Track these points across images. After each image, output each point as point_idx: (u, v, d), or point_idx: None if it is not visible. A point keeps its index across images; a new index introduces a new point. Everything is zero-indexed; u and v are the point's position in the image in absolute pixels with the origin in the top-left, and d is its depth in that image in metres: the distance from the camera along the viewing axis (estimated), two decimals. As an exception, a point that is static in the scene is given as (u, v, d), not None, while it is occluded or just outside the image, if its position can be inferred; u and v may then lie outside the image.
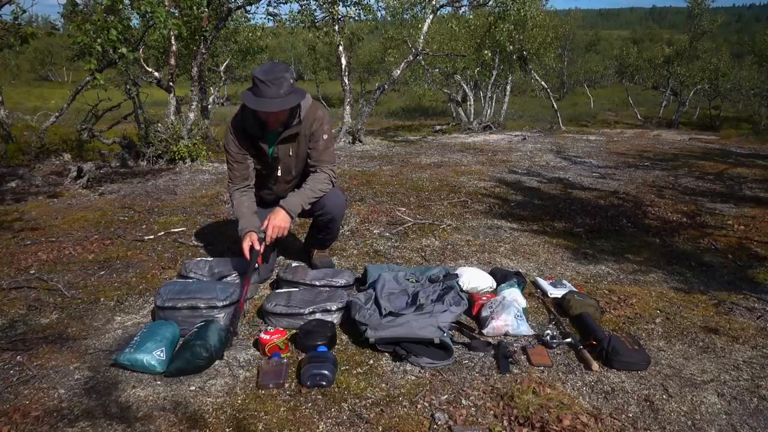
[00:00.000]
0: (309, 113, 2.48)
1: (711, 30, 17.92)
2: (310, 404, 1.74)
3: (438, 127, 13.33)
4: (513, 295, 2.39)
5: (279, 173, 2.62)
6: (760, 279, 2.90)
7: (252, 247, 2.35)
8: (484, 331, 2.20)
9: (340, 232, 3.57)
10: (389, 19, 12.19)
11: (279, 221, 2.42)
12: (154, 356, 1.88)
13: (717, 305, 2.54)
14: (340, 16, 8.10)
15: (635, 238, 3.58)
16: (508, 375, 1.91)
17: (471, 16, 11.94)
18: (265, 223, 2.42)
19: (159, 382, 1.85)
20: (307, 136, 2.52)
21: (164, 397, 1.77)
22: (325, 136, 2.54)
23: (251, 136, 2.48)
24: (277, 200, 2.76)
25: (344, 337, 2.18)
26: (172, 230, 3.56)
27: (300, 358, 1.97)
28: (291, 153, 2.55)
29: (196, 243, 3.34)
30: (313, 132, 2.52)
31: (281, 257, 3.08)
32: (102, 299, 2.53)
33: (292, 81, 2.30)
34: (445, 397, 1.79)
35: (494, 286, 2.59)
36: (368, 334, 2.02)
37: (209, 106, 9.23)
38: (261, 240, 2.39)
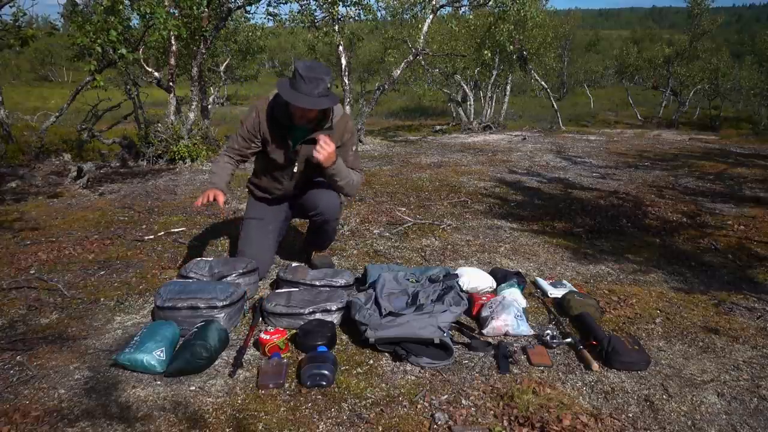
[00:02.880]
0: (341, 122, 2.51)
1: (711, 30, 17.91)
2: (310, 404, 1.74)
3: (438, 127, 13.33)
4: (513, 295, 2.39)
5: (295, 169, 2.62)
6: (760, 279, 2.90)
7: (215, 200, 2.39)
8: (484, 331, 2.20)
9: (340, 232, 3.57)
10: (389, 19, 12.20)
11: (329, 146, 2.37)
12: (154, 356, 1.88)
13: (717, 305, 2.54)
14: (340, 16, 8.10)
15: (635, 238, 3.58)
16: (508, 375, 1.91)
17: (471, 16, 11.95)
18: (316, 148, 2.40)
19: (159, 382, 1.85)
20: (336, 144, 2.50)
21: (164, 397, 1.77)
22: (354, 148, 2.63)
23: (279, 125, 2.48)
24: (284, 198, 2.81)
25: (344, 337, 2.18)
26: (172, 230, 3.56)
27: (300, 358, 1.97)
28: (313, 153, 2.49)
29: (196, 243, 3.34)
30: (344, 143, 2.55)
31: (278, 256, 3.08)
32: (102, 299, 2.53)
33: (329, 84, 2.32)
34: (445, 397, 1.79)
35: (494, 286, 2.59)
36: (368, 334, 2.02)
37: (209, 106, 9.22)
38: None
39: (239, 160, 2.63)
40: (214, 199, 2.38)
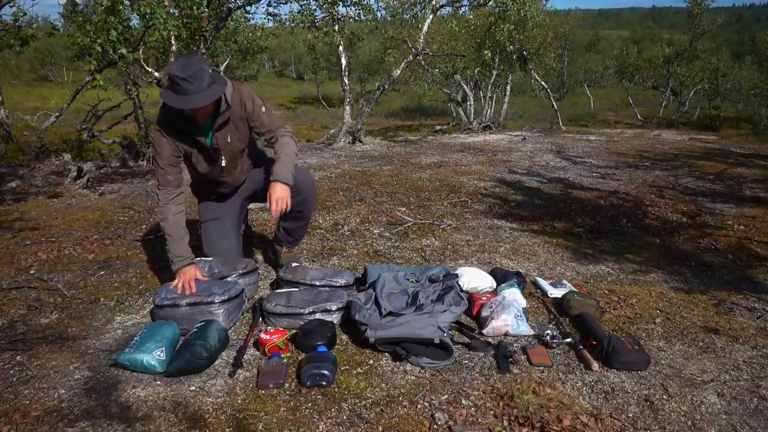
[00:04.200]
0: (234, 96, 2.41)
1: (711, 30, 17.94)
2: (310, 404, 1.74)
3: (438, 127, 13.34)
4: (513, 295, 2.39)
5: (223, 163, 2.53)
6: (760, 279, 2.90)
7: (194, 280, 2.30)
8: (484, 331, 2.20)
9: (340, 231, 3.57)
10: (389, 19, 12.20)
11: (280, 193, 2.37)
12: (154, 356, 1.88)
13: (717, 305, 2.54)
14: (340, 16, 8.10)
15: (635, 238, 3.58)
16: (508, 375, 1.91)
17: (471, 16, 11.95)
18: (268, 200, 2.39)
19: (159, 382, 1.85)
20: (242, 118, 2.46)
21: (164, 397, 1.77)
22: (263, 109, 2.49)
23: (184, 132, 2.39)
24: (234, 192, 2.72)
25: (344, 337, 2.18)
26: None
27: (300, 358, 1.97)
28: (230, 139, 2.47)
29: (196, 243, 3.33)
30: (248, 112, 2.46)
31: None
32: (102, 299, 2.53)
33: (210, 71, 2.24)
34: (445, 397, 1.79)
35: (494, 286, 2.59)
36: (368, 334, 2.02)
37: (209, 106, 9.20)
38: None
39: (181, 192, 2.46)
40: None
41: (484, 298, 2.40)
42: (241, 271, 2.50)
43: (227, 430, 1.62)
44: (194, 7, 5.91)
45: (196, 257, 2.45)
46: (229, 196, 2.74)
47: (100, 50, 4.91)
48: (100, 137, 6.49)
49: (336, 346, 2.10)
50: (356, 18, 8.71)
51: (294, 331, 2.15)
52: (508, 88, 13.59)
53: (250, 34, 11.99)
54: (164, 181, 2.41)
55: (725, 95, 18.50)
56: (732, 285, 2.82)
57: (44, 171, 5.47)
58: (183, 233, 2.41)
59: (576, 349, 2.07)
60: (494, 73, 12.52)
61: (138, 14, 5.06)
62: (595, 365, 1.95)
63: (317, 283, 2.44)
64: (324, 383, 1.82)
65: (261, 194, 2.77)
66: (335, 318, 2.24)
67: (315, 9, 8.31)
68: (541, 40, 12.45)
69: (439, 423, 1.65)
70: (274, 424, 1.64)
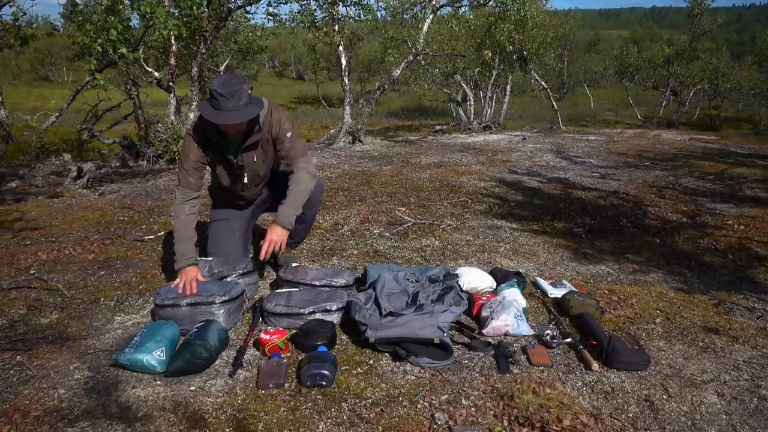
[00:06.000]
0: (266, 118, 2.47)
1: (711, 30, 17.95)
2: (310, 404, 1.74)
3: (438, 127, 13.35)
4: (513, 295, 2.39)
5: (246, 180, 2.60)
6: (760, 279, 2.90)
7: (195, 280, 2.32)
8: (484, 331, 2.20)
9: (340, 231, 3.57)
10: (389, 19, 12.21)
11: (276, 236, 2.43)
12: (154, 356, 1.88)
13: (717, 305, 2.54)
14: (340, 16, 8.10)
15: (635, 238, 3.58)
16: (508, 375, 1.91)
17: (471, 16, 11.96)
18: (265, 239, 2.45)
19: (159, 382, 1.85)
20: (269, 140, 2.52)
21: (164, 397, 1.77)
22: (289, 134, 2.53)
23: (214, 145, 2.45)
24: (250, 204, 2.79)
25: (344, 337, 2.18)
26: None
27: (300, 358, 1.97)
28: (255, 159, 2.54)
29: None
30: (275, 136, 2.51)
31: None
32: (102, 299, 2.53)
33: (249, 92, 2.31)
34: (445, 397, 1.79)
35: (494, 286, 2.59)
36: (368, 334, 2.02)
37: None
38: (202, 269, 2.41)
39: (198, 196, 2.53)
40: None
41: (484, 298, 2.40)
42: (241, 272, 2.50)
43: (227, 430, 1.62)
44: (194, 7, 5.91)
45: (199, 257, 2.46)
46: (243, 207, 2.80)
47: (100, 50, 4.91)
48: (100, 137, 6.50)
49: (336, 346, 2.10)
50: (356, 18, 8.71)
51: (294, 331, 2.15)
52: (508, 88, 13.60)
53: (250, 34, 12.00)
54: (186, 182, 2.47)
55: (725, 95, 18.49)
56: (732, 285, 2.82)
57: (44, 171, 5.47)
58: (191, 234, 2.45)
59: (576, 349, 2.07)
60: (494, 73, 12.52)
61: (138, 14, 5.06)
62: (595, 365, 1.95)
63: (317, 283, 2.44)
64: (324, 383, 1.82)
65: (272, 204, 2.81)
66: (335, 318, 2.24)
67: (315, 9, 8.32)
68: (541, 40, 12.45)
69: (439, 423, 1.65)
70: (274, 424, 1.64)
